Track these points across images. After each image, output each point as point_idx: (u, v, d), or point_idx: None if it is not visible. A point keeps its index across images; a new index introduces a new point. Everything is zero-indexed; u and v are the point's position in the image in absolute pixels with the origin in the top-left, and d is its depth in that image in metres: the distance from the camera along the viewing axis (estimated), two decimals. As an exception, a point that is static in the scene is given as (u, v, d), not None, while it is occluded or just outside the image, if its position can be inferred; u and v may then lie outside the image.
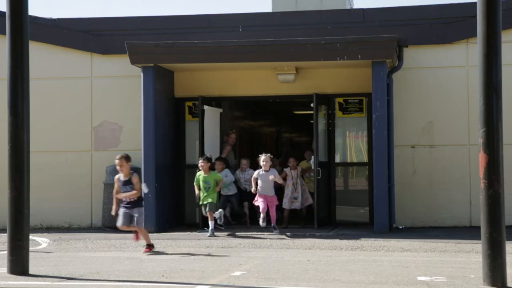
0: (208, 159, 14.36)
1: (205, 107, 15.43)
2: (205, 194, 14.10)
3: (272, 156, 14.37)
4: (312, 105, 15.16)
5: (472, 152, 15.34)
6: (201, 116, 15.35)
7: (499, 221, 8.03)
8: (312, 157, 15.29)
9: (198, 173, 14.34)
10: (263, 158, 14.10)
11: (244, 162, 15.84)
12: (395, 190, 15.10)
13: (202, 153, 15.05)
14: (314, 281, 8.51)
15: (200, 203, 14.27)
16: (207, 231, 14.19)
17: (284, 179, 15.19)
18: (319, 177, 15.01)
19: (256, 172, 14.21)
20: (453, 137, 15.66)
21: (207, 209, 14.13)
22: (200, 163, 14.30)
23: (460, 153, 15.58)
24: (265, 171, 14.04)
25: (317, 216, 14.97)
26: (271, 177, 13.98)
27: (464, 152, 15.56)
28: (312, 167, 15.30)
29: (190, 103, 16.12)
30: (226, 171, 15.15)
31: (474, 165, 15.10)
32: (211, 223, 14.05)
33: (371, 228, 14.42)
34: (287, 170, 15.42)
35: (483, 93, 8.10)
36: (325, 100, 15.77)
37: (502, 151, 8.09)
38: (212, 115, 15.72)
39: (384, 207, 14.23)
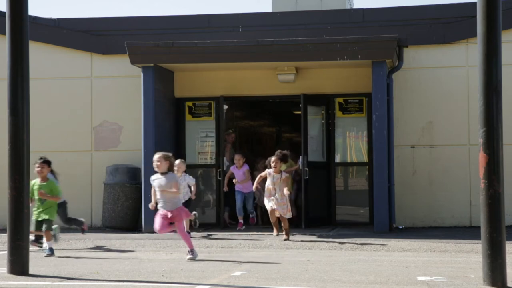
0: (48, 162, 11.85)
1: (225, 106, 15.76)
2: (40, 208, 11.55)
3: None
4: (301, 105, 15.22)
5: (472, 152, 15.34)
6: (222, 115, 15.59)
7: (499, 221, 8.02)
8: (300, 157, 15.31)
9: (32, 182, 11.39)
10: (154, 158, 10.69)
11: (176, 163, 12.67)
12: (395, 190, 15.10)
13: (223, 151, 15.29)
14: (314, 281, 8.50)
15: (33, 218, 11.44)
16: (208, 232, 14.19)
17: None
18: (307, 177, 15.04)
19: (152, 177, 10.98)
20: (453, 137, 15.66)
21: (43, 228, 11.44)
22: (37, 168, 11.65)
23: (460, 153, 15.58)
24: (161, 173, 10.67)
25: (305, 216, 15.03)
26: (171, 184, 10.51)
27: (464, 152, 15.56)
28: (300, 167, 15.29)
29: (190, 103, 16.13)
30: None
31: (474, 165, 15.10)
32: (48, 243, 11.40)
33: (371, 228, 14.43)
34: (270, 171, 13.54)
35: (483, 93, 8.10)
36: (324, 100, 15.80)
37: (502, 151, 8.09)
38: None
39: (384, 207, 14.23)
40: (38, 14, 24.75)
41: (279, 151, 13.78)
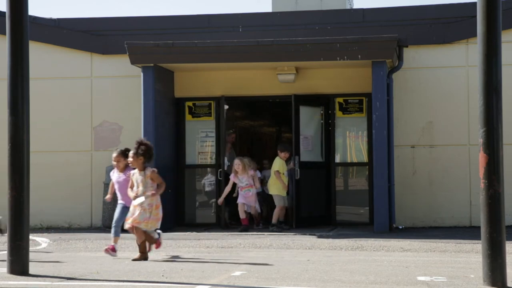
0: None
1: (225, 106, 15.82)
2: None
3: None
4: (296, 106, 15.33)
5: (472, 152, 15.34)
6: (223, 115, 15.62)
7: (499, 221, 8.02)
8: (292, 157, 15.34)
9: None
10: None
11: None
12: (395, 190, 15.10)
13: (224, 152, 15.50)
14: (314, 281, 8.50)
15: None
16: (208, 231, 14.17)
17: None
18: (298, 177, 15.09)
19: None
20: (453, 137, 15.66)
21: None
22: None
23: (460, 153, 15.58)
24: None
25: (296, 215, 15.09)
26: None
27: (464, 152, 15.56)
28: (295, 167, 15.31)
29: (190, 103, 16.14)
30: None
31: (474, 165, 15.10)
32: None
33: (371, 228, 14.43)
34: (134, 171, 10.70)
35: (483, 93, 8.09)
36: (323, 100, 15.83)
37: (502, 151, 8.08)
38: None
39: (384, 207, 14.24)
40: (38, 14, 24.77)
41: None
